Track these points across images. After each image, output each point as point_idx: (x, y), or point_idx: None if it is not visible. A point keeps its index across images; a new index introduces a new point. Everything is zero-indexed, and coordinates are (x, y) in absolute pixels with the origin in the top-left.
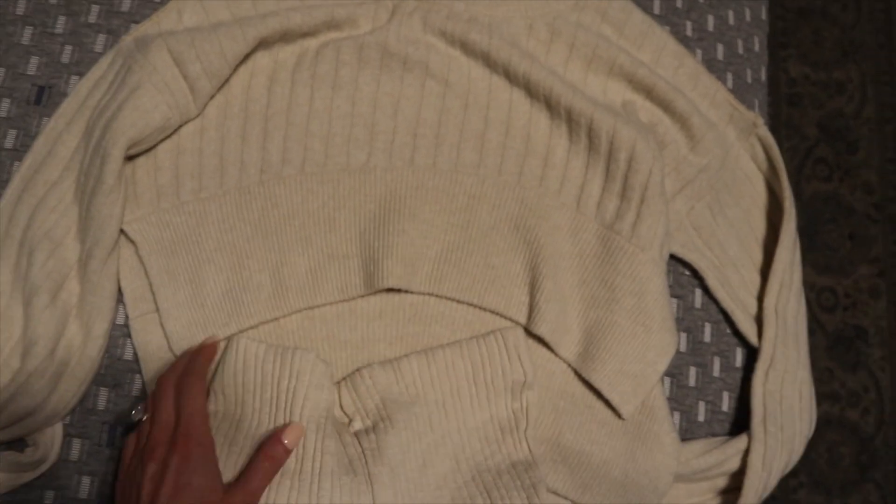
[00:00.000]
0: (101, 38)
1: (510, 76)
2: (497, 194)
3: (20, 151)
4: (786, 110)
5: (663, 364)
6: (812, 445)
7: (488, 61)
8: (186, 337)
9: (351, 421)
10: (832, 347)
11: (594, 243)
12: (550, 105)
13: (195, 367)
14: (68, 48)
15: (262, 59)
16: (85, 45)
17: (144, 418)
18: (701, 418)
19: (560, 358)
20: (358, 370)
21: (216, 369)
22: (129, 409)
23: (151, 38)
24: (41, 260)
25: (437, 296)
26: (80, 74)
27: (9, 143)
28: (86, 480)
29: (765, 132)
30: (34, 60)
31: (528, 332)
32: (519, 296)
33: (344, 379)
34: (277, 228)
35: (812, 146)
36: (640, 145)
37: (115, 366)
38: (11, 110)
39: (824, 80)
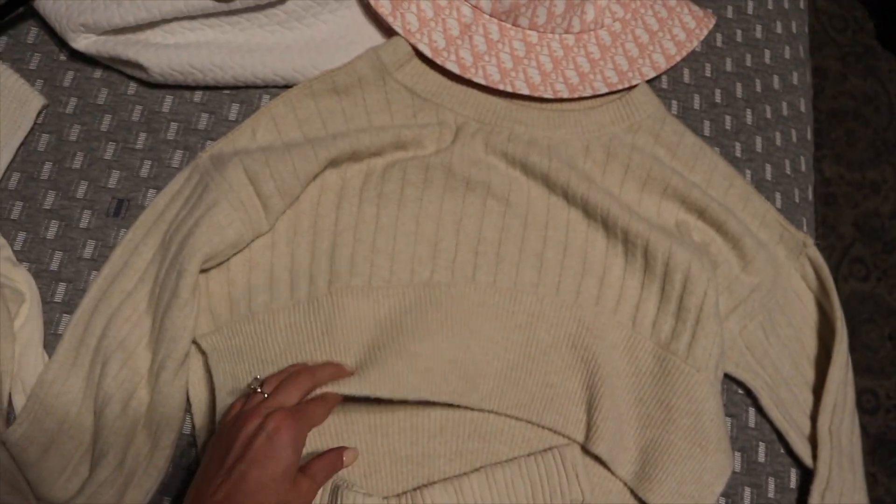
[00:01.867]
0: (178, 154)
1: (568, 197)
2: (555, 313)
3: (98, 262)
4: (821, 210)
5: (720, 485)
6: None
7: (547, 182)
8: None
9: None
10: (874, 451)
11: (650, 362)
12: (607, 226)
13: (330, 399)
14: (147, 163)
15: (331, 176)
16: (163, 161)
17: (259, 390)
18: None
19: (616, 477)
20: (418, 489)
21: None
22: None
23: (227, 156)
24: (115, 370)
25: (496, 413)
26: (158, 188)
27: (87, 253)
28: None
29: (814, 252)
30: (115, 174)
31: (585, 450)
32: (577, 414)
33: (403, 495)
34: (345, 331)
35: (849, 245)
36: (695, 267)
37: (181, 475)
38: (91, 222)
39: (859, 181)
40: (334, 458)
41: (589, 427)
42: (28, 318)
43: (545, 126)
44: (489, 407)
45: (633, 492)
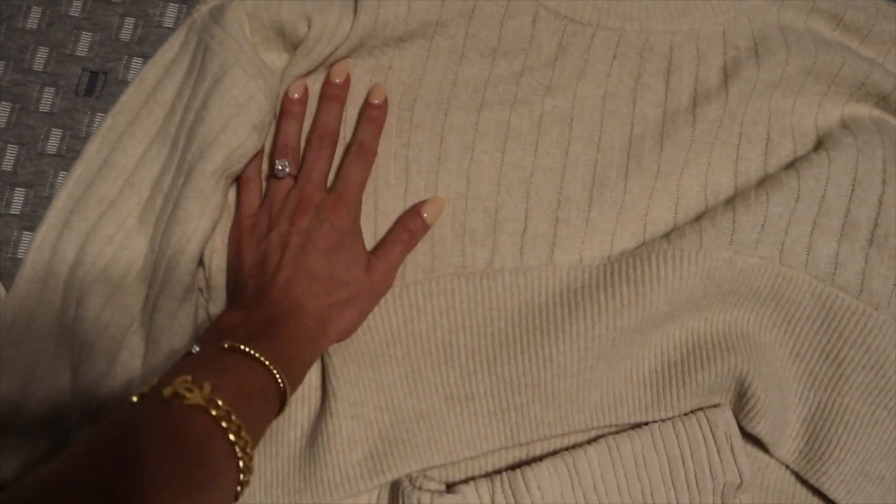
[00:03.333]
0: (171, 8)
1: (695, 119)
2: (672, 276)
3: (66, 159)
4: None
5: None
6: None
7: (665, 110)
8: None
9: None
10: None
11: (809, 303)
12: (741, 140)
13: (367, 137)
14: (129, 21)
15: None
16: (150, 17)
17: (288, 171)
18: None
19: (776, 459)
20: (521, 470)
21: None
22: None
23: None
24: (95, 308)
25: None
26: (145, 57)
27: (52, 146)
28: None
29: None
30: (85, 37)
31: None
32: (724, 384)
33: (497, 476)
34: (375, 361)
35: None
36: (864, 167)
37: None
38: (56, 103)
39: None
40: (408, 223)
41: (743, 398)
42: None
43: (664, 16)
44: (614, 418)
45: (798, 476)
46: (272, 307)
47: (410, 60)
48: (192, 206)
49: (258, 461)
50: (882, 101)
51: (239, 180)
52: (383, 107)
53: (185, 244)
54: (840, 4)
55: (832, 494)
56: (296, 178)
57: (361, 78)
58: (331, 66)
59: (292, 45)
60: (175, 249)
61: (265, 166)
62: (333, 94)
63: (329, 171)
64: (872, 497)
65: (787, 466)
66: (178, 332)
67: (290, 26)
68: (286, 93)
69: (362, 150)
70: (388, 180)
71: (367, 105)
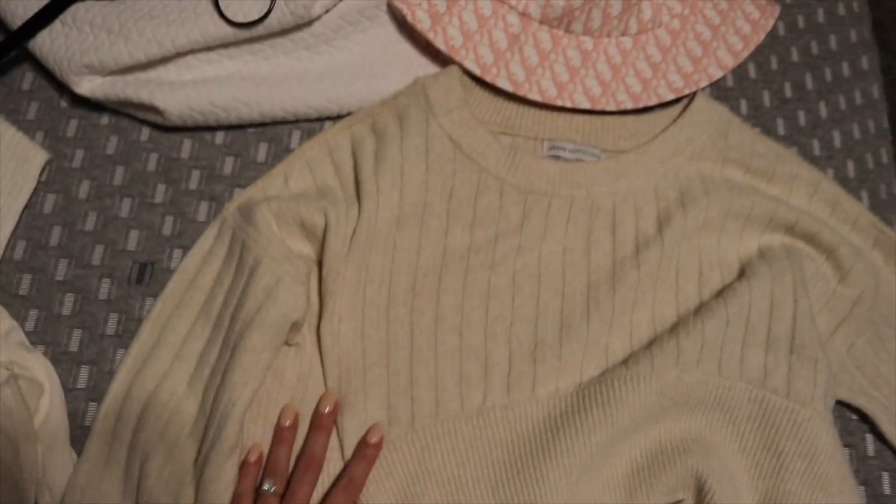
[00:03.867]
0: (203, 206)
1: (638, 261)
2: (631, 395)
3: (123, 339)
4: None
5: None
6: None
7: (614, 257)
8: None
9: None
10: None
11: (747, 406)
12: (679, 276)
13: (358, 473)
14: (169, 219)
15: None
16: (186, 215)
17: (275, 490)
18: None
19: None
20: None
21: None
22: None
23: (255, 204)
24: (157, 466)
25: None
26: (184, 248)
27: (110, 328)
28: None
29: None
30: (133, 235)
31: None
32: (684, 483)
33: None
34: (395, 497)
35: None
36: (778, 291)
37: None
38: (112, 292)
39: None
40: (362, 452)
41: (702, 493)
42: (50, 411)
43: (605, 180)
44: None
45: None
46: None
47: (408, 238)
48: (236, 378)
49: None
50: (790, 230)
51: (234, 495)
52: (378, 444)
53: (230, 409)
54: (746, 155)
55: None
56: (282, 497)
57: (375, 260)
58: (323, 395)
59: (314, 235)
60: (223, 413)
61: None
62: (322, 424)
63: (311, 493)
64: None
65: None
66: (224, 481)
67: (308, 220)
68: (279, 420)
69: (351, 483)
70: (398, 343)
71: (361, 443)
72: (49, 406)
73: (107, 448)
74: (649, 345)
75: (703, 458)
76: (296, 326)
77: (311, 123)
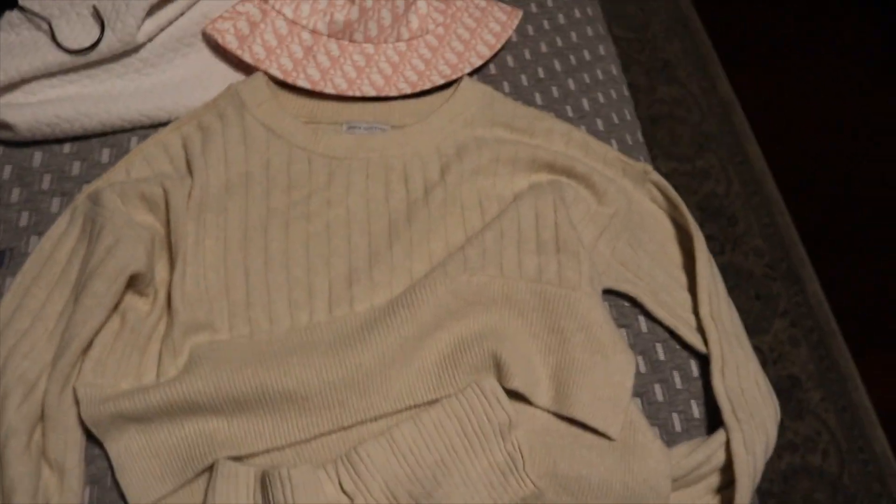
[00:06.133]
0: (55, 201)
1: (428, 200)
2: (432, 299)
3: None
4: None
5: (630, 380)
6: (788, 499)
7: (408, 199)
8: (143, 488)
9: (353, 501)
10: None
11: (530, 299)
12: (464, 208)
13: None
14: (24, 213)
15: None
16: (41, 209)
17: None
18: (678, 428)
19: (538, 408)
20: (354, 449)
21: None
22: None
23: (102, 190)
24: (15, 402)
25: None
26: (40, 234)
27: None
28: None
29: (657, 177)
30: None
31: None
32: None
33: (337, 460)
34: (227, 376)
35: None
36: (541, 203)
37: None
38: None
39: (690, 170)
40: None
41: (500, 368)
42: None
43: (395, 145)
44: (399, 407)
45: (556, 414)
46: None
47: (237, 202)
48: (77, 317)
49: None
50: (552, 168)
51: None
52: None
53: (71, 341)
54: (510, 118)
55: (582, 418)
56: None
57: (210, 218)
58: None
59: (156, 205)
60: (64, 344)
61: None
62: None
63: None
64: (606, 413)
65: (549, 410)
66: (66, 402)
67: (148, 192)
68: None
69: None
70: (235, 282)
71: None
72: None
73: None
74: (443, 261)
75: (498, 343)
76: (140, 277)
77: (146, 130)
